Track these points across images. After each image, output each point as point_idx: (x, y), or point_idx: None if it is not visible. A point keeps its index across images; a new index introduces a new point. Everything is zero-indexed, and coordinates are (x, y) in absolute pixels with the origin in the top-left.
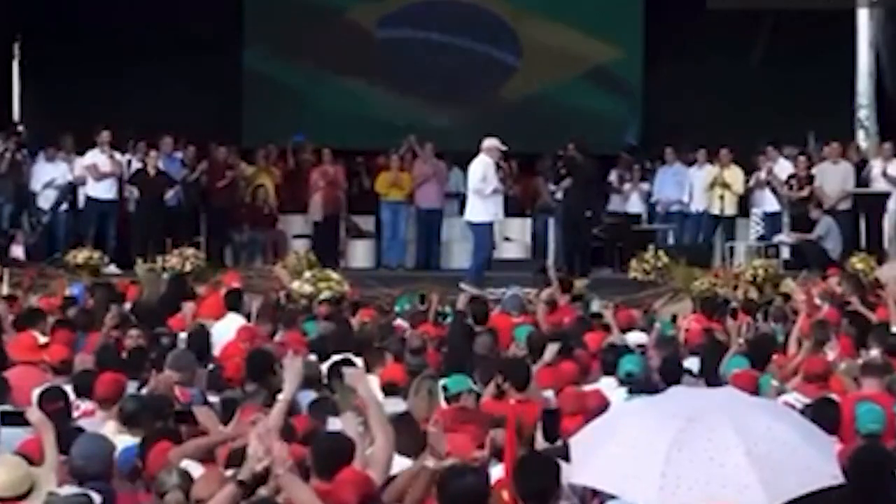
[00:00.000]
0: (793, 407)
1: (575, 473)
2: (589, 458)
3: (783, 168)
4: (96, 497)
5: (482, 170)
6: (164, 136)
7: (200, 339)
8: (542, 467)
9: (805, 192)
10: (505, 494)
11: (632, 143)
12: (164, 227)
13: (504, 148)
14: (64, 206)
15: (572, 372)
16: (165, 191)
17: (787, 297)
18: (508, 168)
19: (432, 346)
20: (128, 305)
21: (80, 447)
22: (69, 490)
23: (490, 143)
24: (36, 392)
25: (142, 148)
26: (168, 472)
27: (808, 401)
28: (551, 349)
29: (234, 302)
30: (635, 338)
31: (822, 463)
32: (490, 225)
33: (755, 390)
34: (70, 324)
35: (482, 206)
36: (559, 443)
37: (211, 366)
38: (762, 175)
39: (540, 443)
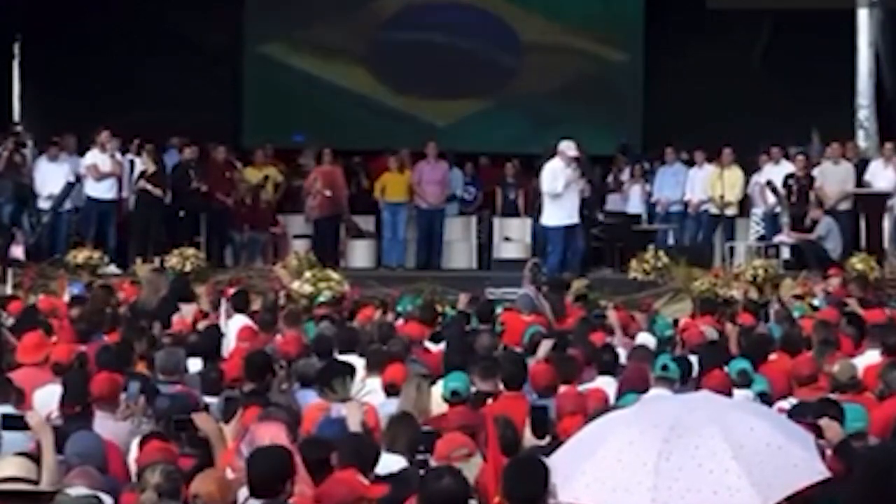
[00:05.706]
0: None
1: (559, 492)
2: (572, 475)
3: (784, 168)
4: (107, 499)
5: (551, 173)
6: (163, 137)
7: (212, 338)
8: (529, 472)
9: (804, 193)
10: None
11: (625, 142)
12: (163, 227)
13: (575, 153)
14: (67, 206)
15: (567, 370)
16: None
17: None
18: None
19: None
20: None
21: (75, 445)
22: (79, 491)
23: (564, 145)
24: (37, 394)
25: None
26: (153, 469)
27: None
28: (545, 346)
29: (240, 303)
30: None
31: (808, 459)
32: (564, 228)
33: (729, 391)
34: (75, 324)
35: (554, 209)
36: (548, 440)
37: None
38: (761, 180)
39: (529, 439)
